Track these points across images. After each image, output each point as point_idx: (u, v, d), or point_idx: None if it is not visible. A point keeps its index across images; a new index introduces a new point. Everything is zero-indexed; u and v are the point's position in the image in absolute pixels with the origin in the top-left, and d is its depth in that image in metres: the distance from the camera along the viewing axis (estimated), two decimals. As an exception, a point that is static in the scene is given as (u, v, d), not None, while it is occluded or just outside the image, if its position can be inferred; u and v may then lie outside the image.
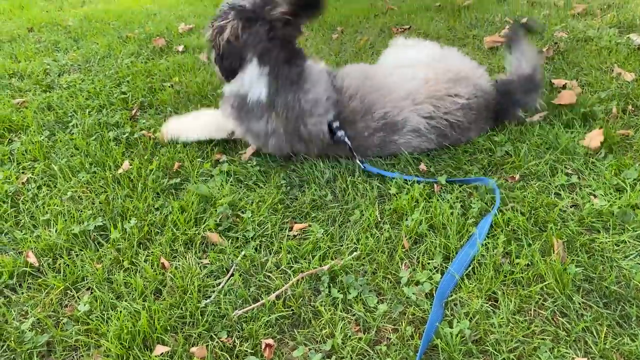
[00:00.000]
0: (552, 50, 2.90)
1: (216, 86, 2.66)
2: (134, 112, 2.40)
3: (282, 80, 1.85)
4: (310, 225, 1.65)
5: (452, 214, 1.64)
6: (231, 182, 1.88)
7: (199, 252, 1.56)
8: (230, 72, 1.89)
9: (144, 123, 2.30)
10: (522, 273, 1.40)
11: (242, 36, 1.82)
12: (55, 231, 1.64)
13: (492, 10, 3.88)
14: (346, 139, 1.88)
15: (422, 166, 1.92)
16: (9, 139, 2.23)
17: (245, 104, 1.90)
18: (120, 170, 1.94)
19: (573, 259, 1.44)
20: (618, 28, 3.21)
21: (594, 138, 1.94)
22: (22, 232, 1.66)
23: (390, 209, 1.70)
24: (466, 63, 2.21)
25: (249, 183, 1.87)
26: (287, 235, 1.62)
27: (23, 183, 1.91)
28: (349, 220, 1.68)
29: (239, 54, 1.85)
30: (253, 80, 1.87)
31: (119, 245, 1.58)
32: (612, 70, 2.56)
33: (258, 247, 1.57)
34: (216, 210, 1.71)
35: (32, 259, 1.54)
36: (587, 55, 2.81)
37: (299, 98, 1.86)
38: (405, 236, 1.57)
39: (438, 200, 1.71)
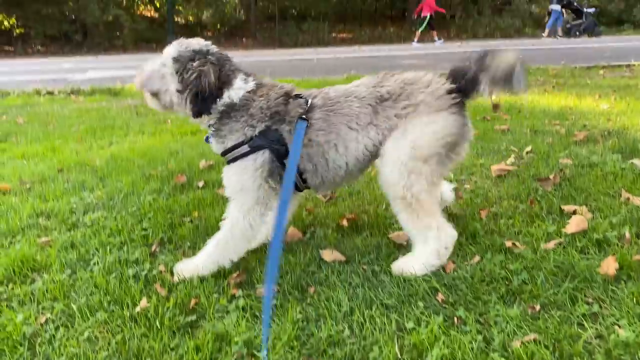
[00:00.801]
0: (558, 177, 2.99)
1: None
2: (153, 248, 2.47)
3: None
4: (327, 364, 1.61)
5: (472, 348, 1.60)
6: (247, 317, 1.87)
7: (213, 396, 1.52)
8: (205, 108, 2.16)
9: (162, 259, 2.36)
10: (552, 414, 1.32)
11: (222, 72, 2.17)
12: (69, 375, 1.62)
13: (497, 139, 4.07)
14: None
15: (440, 296, 1.91)
16: (32, 279, 2.28)
17: (234, 104, 2.17)
18: (137, 309, 1.95)
19: (605, 397, 1.37)
20: (621, 153, 3.33)
21: (610, 265, 1.93)
22: (36, 376, 1.64)
23: (410, 344, 1.67)
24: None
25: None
26: (304, 375, 1.57)
27: (41, 324, 1.92)
28: (368, 358, 1.63)
29: (220, 87, 2.15)
30: (241, 84, 2.19)
31: (132, 389, 1.55)
32: (620, 195, 2.61)
33: (274, 389, 1.52)
34: (231, 349, 1.69)
35: (43, 406, 1.50)
36: (593, 180, 2.89)
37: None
38: (426, 374, 1.52)
39: (458, 333, 1.68)
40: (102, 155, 4.41)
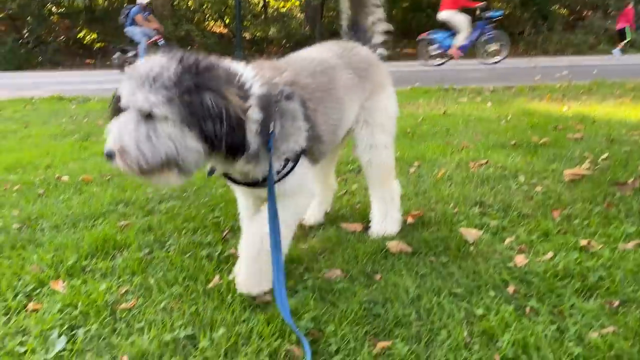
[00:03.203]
0: (638, 182, 2.86)
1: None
2: (225, 234, 2.57)
3: None
4: (394, 343, 1.61)
5: (545, 335, 1.55)
6: (315, 297, 1.91)
7: (283, 365, 1.56)
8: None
9: (233, 243, 2.44)
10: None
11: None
12: (148, 338, 1.71)
13: (570, 147, 3.94)
14: None
15: (511, 287, 1.87)
16: (112, 255, 2.42)
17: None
18: (210, 285, 2.04)
19: (692, 389, 1.30)
20: None
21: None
22: (118, 338, 1.74)
23: (479, 330, 1.65)
24: None
25: (332, 299, 1.89)
26: (370, 353, 1.58)
27: (122, 294, 2.04)
28: (436, 340, 1.63)
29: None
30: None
31: (206, 353, 1.61)
32: None
33: (342, 362, 1.54)
34: (300, 324, 1.73)
35: (125, 363, 1.59)
36: (677, 185, 2.74)
37: None
38: (498, 357, 1.49)
39: (530, 322, 1.64)
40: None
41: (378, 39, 2.55)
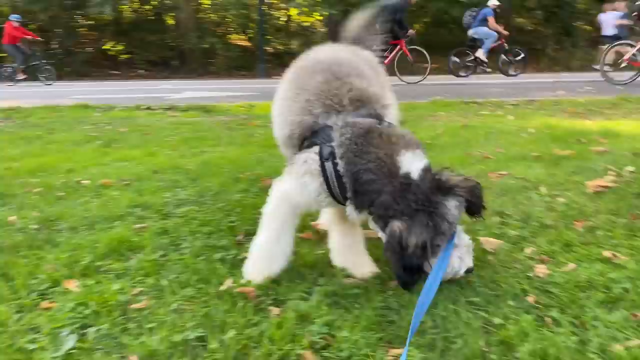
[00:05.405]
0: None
1: (315, 216, 2.77)
2: (239, 237, 2.55)
3: None
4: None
5: (567, 347, 1.49)
6: (329, 303, 1.87)
7: (293, 369, 1.52)
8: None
9: (248, 247, 2.42)
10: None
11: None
12: (158, 338, 1.69)
13: (594, 160, 3.85)
14: None
15: (531, 298, 1.81)
16: (127, 257, 2.42)
17: None
18: (223, 287, 2.02)
19: None
20: None
21: None
22: (128, 337, 1.73)
23: (497, 340, 1.59)
24: None
25: (346, 304, 1.86)
26: (383, 359, 1.54)
27: (134, 295, 2.03)
28: (451, 349, 1.57)
29: None
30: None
31: (216, 355, 1.59)
32: None
33: (354, 368, 1.50)
34: (312, 328, 1.69)
35: (134, 362, 1.57)
36: None
37: None
38: (516, 367, 1.44)
39: (551, 332, 1.58)
40: (194, 161, 4.64)
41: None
